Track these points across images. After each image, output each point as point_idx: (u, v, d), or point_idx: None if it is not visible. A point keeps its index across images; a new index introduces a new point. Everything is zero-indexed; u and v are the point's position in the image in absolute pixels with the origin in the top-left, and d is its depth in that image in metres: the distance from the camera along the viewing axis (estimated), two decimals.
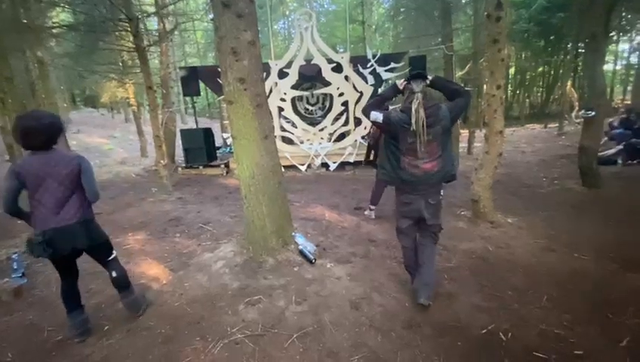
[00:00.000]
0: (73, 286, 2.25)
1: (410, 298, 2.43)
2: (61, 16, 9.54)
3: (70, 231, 2.02)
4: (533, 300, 2.35)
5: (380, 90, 7.34)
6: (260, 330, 2.18)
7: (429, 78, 2.20)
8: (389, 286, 2.63)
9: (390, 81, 7.68)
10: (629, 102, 12.56)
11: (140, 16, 5.87)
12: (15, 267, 3.07)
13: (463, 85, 2.36)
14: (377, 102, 2.31)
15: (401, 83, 2.28)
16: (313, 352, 1.97)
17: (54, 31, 6.72)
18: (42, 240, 1.94)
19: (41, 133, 1.93)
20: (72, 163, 2.00)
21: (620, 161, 6.02)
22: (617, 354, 1.83)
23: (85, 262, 2.35)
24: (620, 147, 6.14)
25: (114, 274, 2.28)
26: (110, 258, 2.30)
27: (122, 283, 2.33)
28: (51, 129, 1.97)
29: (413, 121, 2.07)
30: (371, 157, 4.57)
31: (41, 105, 8.94)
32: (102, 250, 2.26)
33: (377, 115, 2.19)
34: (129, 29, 5.62)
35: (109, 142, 13.25)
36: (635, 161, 5.93)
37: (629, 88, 16.14)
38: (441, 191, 2.43)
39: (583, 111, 5.03)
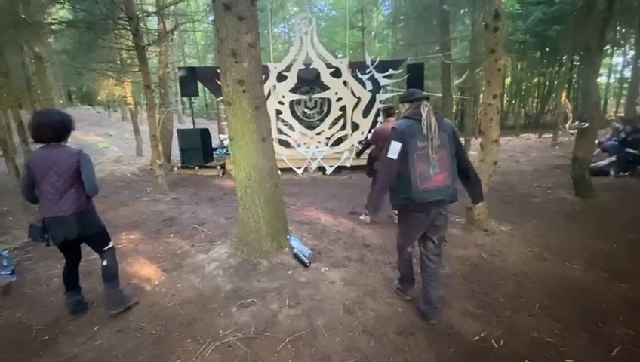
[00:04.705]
0: (72, 269, 2.44)
1: (404, 304, 2.44)
2: (60, 12, 9.51)
3: (64, 221, 2.16)
4: (525, 308, 2.36)
5: (377, 97, 7.43)
6: (252, 333, 2.16)
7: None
8: (382, 292, 2.63)
9: (388, 88, 7.75)
10: (622, 114, 12.76)
11: (140, 16, 5.87)
12: (4, 264, 3.02)
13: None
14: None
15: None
16: (305, 356, 1.97)
17: (53, 27, 6.68)
18: (41, 227, 2.16)
19: (51, 129, 2.12)
20: (71, 158, 2.15)
21: (612, 173, 6.10)
22: None
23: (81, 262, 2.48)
24: (613, 158, 6.23)
25: (104, 263, 2.40)
26: (105, 248, 2.42)
27: (107, 275, 2.41)
28: (60, 126, 2.16)
29: (424, 124, 2.04)
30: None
31: (36, 101, 8.90)
32: (95, 239, 2.38)
33: (395, 146, 2.05)
34: (129, 27, 5.62)
35: (105, 140, 13.15)
36: (626, 173, 6.02)
37: (622, 101, 16.40)
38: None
39: (577, 123, 5.10)
